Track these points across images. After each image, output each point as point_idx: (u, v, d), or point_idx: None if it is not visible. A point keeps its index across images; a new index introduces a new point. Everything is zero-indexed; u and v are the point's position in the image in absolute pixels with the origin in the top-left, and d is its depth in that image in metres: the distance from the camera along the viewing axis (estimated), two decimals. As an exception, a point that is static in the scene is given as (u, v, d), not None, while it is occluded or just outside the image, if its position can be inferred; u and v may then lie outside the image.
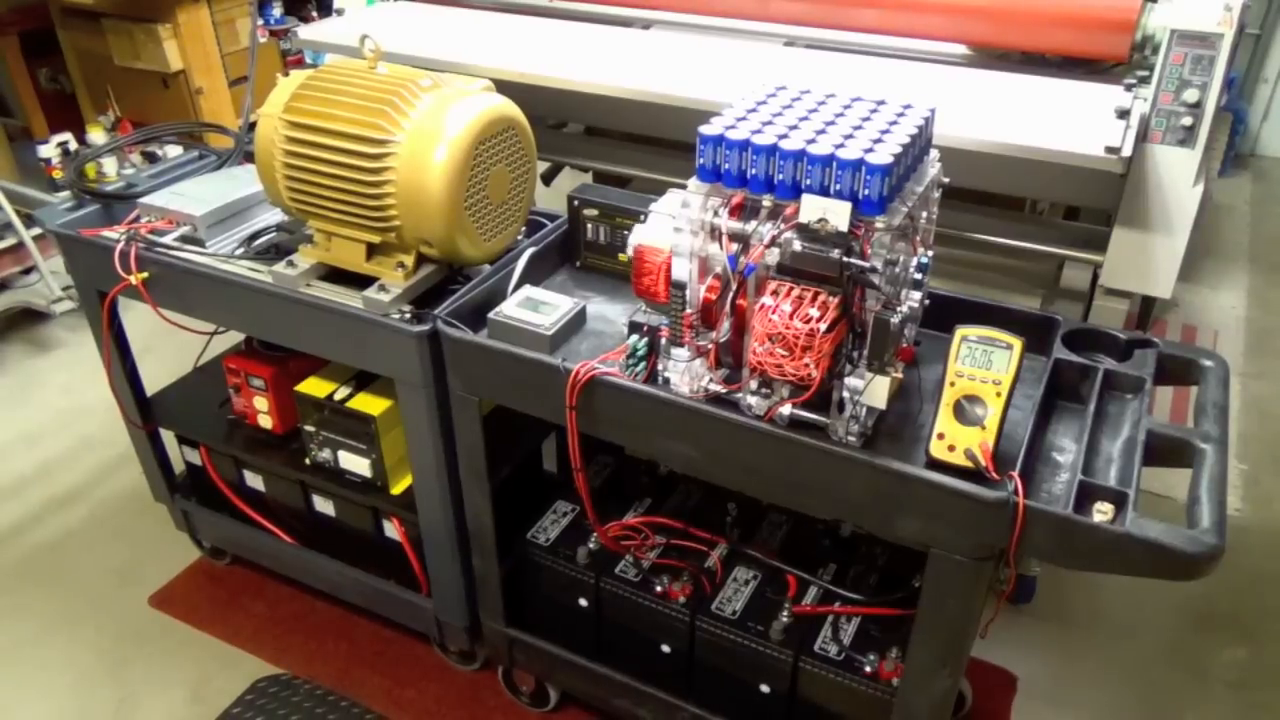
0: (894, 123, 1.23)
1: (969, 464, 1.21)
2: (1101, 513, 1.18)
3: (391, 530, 1.92)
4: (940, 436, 1.23)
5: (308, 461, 1.92)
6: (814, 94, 1.33)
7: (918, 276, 1.29)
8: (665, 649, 1.72)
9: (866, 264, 1.15)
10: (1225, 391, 1.37)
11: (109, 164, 2.76)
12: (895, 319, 1.19)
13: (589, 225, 1.73)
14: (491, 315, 1.53)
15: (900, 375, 1.34)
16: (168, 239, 1.79)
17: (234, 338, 2.07)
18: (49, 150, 3.33)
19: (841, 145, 1.15)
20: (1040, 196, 2.30)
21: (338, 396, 1.81)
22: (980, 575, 1.28)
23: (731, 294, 1.25)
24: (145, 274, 1.76)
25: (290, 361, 1.93)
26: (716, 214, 1.24)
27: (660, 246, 1.34)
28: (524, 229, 1.75)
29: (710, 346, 1.31)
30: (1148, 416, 1.32)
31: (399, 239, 1.56)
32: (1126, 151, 1.60)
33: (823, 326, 1.16)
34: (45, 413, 2.90)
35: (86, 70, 3.89)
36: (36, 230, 3.01)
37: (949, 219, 1.63)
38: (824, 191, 1.15)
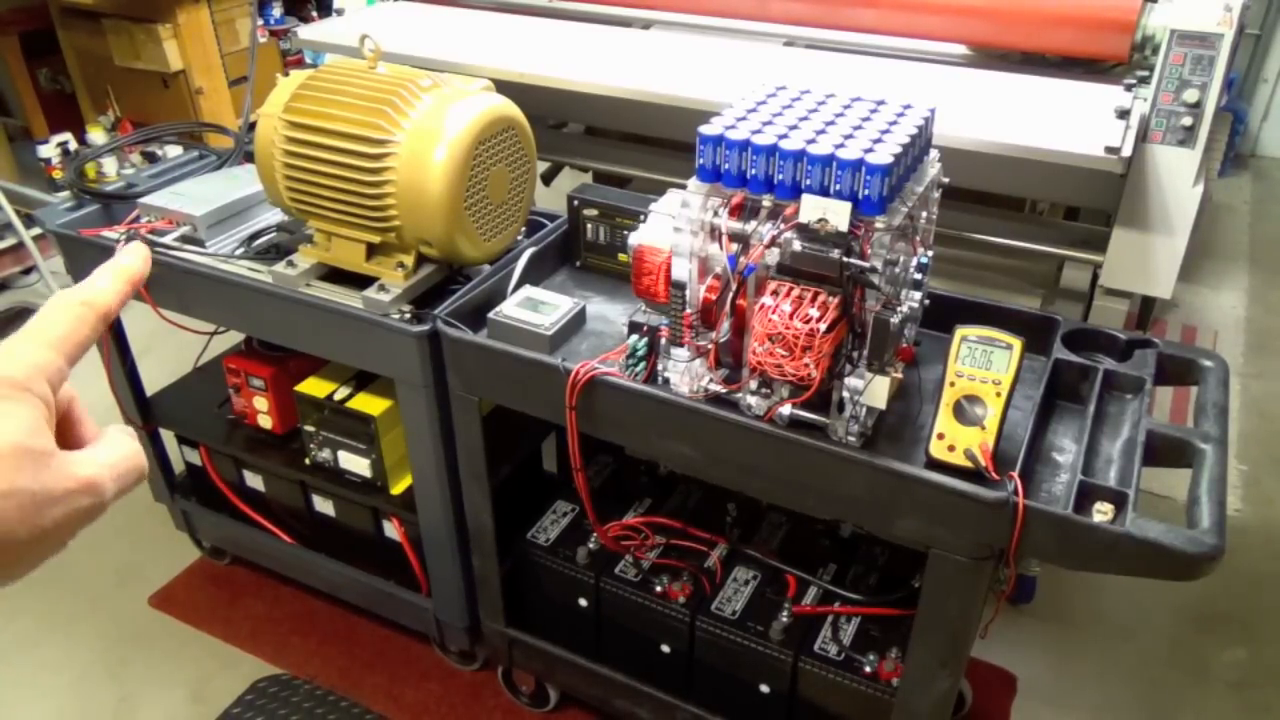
0: (894, 123, 1.22)
1: (969, 464, 1.21)
2: (1101, 513, 1.18)
3: (391, 530, 1.92)
4: (940, 436, 1.23)
5: (308, 461, 1.91)
6: (814, 94, 1.33)
7: (918, 276, 1.29)
8: (665, 649, 1.72)
9: (866, 264, 1.15)
10: (1225, 391, 1.37)
11: (109, 164, 2.76)
12: (895, 319, 1.19)
13: (589, 225, 1.73)
14: (491, 315, 1.53)
15: (900, 375, 1.34)
16: (167, 239, 1.79)
17: (234, 338, 2.07)
18: (49, 150, 3.34)
19: (841, 145, 1.15)
20: (1040, 196, 2.29)
21: (338, 396, 1.81)
22: (980, 575, 1.28)
23: (731, 294, 1.25)
24: (145, 274, 1.76)
25: (290, 361, 1.93)
26: (716, 214, 1.24)
27: (660, 246, 1.34)
28: (524, 229, 1.75)
29: (710, 346, 1.31)
30: (1148, 417, 1.32)
31: (399, 239, 1.56)
32: (1126, 151, 1.60)
33: (823, 326, 1.16)
34: (45, 413, 2.90)
35: (86, 70, 3.89)
36: (36, 230, 3.01)
37: (949, 219, 1.63)
38: (824, 191, 1.15)
